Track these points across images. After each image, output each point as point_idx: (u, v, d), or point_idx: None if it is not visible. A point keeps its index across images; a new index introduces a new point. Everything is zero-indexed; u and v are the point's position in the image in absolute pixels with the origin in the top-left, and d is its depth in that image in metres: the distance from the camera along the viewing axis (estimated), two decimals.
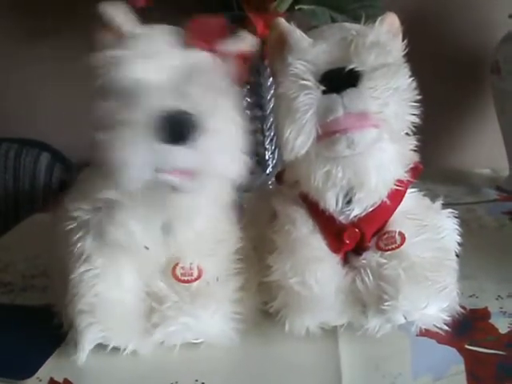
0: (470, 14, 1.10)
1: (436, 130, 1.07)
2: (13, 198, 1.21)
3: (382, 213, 0.59)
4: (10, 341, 0.59)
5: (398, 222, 0.59)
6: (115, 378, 0.55)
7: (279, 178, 0.64)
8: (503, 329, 0.59)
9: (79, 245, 0.55)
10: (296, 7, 0.91)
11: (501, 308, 0.63)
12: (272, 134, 1.01)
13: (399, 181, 0.58)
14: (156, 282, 0.57)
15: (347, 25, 0.59)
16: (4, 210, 1.21)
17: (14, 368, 0.55)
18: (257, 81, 0.98)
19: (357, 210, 0.57)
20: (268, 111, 0.99)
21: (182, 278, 0.57)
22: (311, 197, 0.58)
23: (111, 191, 0.53)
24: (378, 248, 0.57)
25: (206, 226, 0.58)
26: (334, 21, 0.93)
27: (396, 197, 0.59)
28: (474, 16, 1.10)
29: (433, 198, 0.64)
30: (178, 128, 0.49)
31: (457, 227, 0.62)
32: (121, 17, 0.53)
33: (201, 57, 0.55)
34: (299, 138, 0.53)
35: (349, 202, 0.57)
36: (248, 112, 1.00)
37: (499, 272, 0.70)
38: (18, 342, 0.59)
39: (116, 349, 0.55)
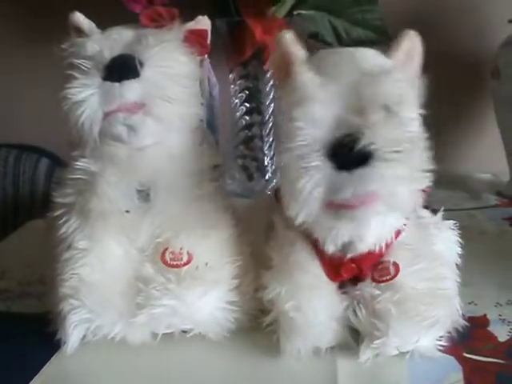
0: (469, 19, 1.10)
1: (436, 135, 1.07)
2: (12, 203, 1.21)
3: (380, 250, 0.57)
4: (4, 349, 0.59)
5: (393, 252, 0.57)
6: None
7: (278, 196, 0.61)
8: (502, 337, 0.58)
9: (64, 229, 0.57)
10: (295, 12, 0.92)
11: (500, 315, 0.62)
12: (271, 139, 1.01)
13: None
14: (144, 268, 0.57)
15: (358, 58, 0.54)
16: (3, 215, 1.21)
17: (8, 376, 0.55)
18: (255, 86, 0.98)
19: (355, 253, 0.56)
20: (267, 117, 0.99)
21: (171, 262, 0.57)
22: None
23: (84, 161, 0.58)
24: (373, 279, 0.56)
25: (195, 208, 0.60)
26: (332, 26, 0.93)
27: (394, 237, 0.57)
28: (474, 21, 1.10)
29: (432, 204, 0.64)
30: (117, 65, 0.54)
31: (458, 239, 0.62)
32: (86, 23, 0.61)
33: (150, 30, 0.60)
34: (301, 214, 0.51)
35: (346, 247, 0.56)
36: (247, 118, 1.00)
37: (498, 278, 0.70)
38: (12, 350, 0.59)
39: (113, 357, 0.55)
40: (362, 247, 0.55)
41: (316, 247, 0.57)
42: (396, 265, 0.56)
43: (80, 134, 0.55)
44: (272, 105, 0.99)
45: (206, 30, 0.62)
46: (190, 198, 0.60)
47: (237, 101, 1.00)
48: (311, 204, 0.50)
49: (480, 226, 0.89)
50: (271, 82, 0.98)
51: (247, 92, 0.98)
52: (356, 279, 0.57)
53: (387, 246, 0.57)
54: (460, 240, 0.62)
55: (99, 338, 0.56)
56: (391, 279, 0.55)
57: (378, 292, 0.55)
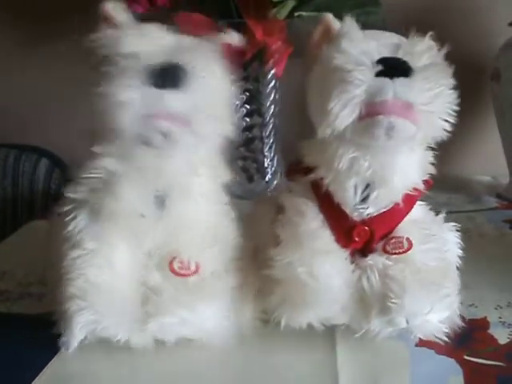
0: (470, 22, 1.11)
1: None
2: (11, 204, 1.20)
3: (393, 215, 0.59)
4: (5, 350, 0.59)
5: (405, 229, 0.59)
6: None
7: (291, 170, 0.64)
8: (502, 339, 0.58)
9: (71, 227, 0.56)
10: (296, 14, 0.91)
11: (500, 318, 0.62)
12: (271, 141, 1.01)
13: (415, 188, 0.58)
14: (152, 274, 0.57)
15: (396, 35, 0.59)
16: (2, 216, 1.21)
17: (9, 378, 0.55)
18: (256, 88, 0.98)
19: (371, 209, 0.58)
20: (267, 119, 1.00)
21: (180, 271, 0.57)
22: (326, 187, 0.58)
23: (106, 160, 0.56)
24: (385, 251, 0.58)
25: (205, 219, 0.59)
26: None
27: (409, 202, 0.59)
28: (475, 23, 1.11)
29: (433, 206, 0.64)
30: (168, 73, 0.53)
31: (459, 241, 0.62)
32: (121, 13, 0.57)
33: (190, 38, 0.58)
34: (345, 110, 0.52)
35: (364, 200, 0.57)
36: (247, 119, 1.00)
37: (499, 281, 0.70)
38: (13, 351, 0.59)
39: (112, 343, 0.55)
40: (382, 195, 0.56)
41: (327, 213, 0.58)
42: (409, 240, 0.58)
43: (111, 133, 0.54)
44: (272, 106, 0.99)
45: (241, 49, 0.61)
46: (202, 209, 0.59)
47: (237, 102, 1.00)
48: (355, 100, 0.52)
49: (480, 229, 0.89)
50: (272, 84, 0.98)
51: (247, 94, 0.98)
52: (364, 252, 0.58)
53: (404, 201, 0.58)
54: (461, 242, 0.62)
55: (101, 340, 0.56)
56: (404, 252, 0.57)
57: (390, 263, 0.56)
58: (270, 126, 1.00)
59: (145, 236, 0.58)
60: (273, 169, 1.02)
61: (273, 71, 0.97)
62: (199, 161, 0.58)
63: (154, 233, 0.58)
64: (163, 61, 0.53)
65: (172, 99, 0.52)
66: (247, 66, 0.97)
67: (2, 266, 0.78)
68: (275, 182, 1.01)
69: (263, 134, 1.00)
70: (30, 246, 0.82)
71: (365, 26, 0.90)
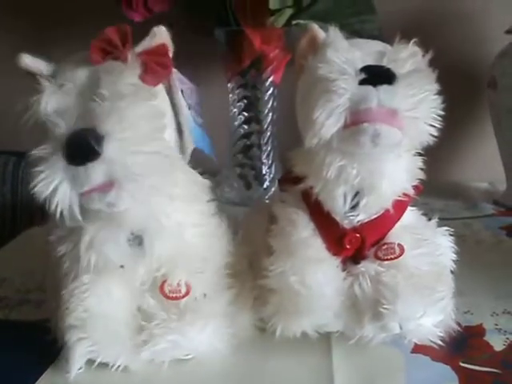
0: (467, 30, 1.11)
1: (433, 144, 1.07)
2: (11, 210, 1.21)
3: (384, 222, 0.59)
4: (3, 356, 0.59)
5: (397, 234, 0.59)
6: None
7: (283, 181, 0.65)
8: (498, 346, 0.59)
9: (67, 264, 0.56)
10: (293, 22, 0.92)
11: (496, 325, 0.62)
12: (269, 148, 1.01)
13: (404, 194, 0.59)
14: (145, 299, 0.58)
15: (381, 43, 0.60)
16: (2, 222, 1.21)
17: None
18: (254, 95, 0.98)
19: (362, 216, 0.58)
20: (265, 126, 1.00)
21: (171, 294, 0.58)
22: (316, 196, 0.58)
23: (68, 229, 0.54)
24: (377, 258, 0.58)
25: (191, 243, 0.59)
26: None
27: (399, 209, 0.59)
28: (472, 31, 1.11)
29: (429, 213, 0.64)
30: (80, 148, 0.49)
31: (452, 245, 0.62)
32: (36, 64, 0.59)
33: (105, 67, 0.54)
34: (330, 119, 0.53)
35: (354, 207, 0.58)
36: (245, 127, 1.00)
37: (495, 288, 0.70)
38: (11, 358, 0.59)
39: (108, 366, 0.55)
40: (372, 202, 0.57)
41: (318, 222, 0.59)
42: (401, 246, 0.58)
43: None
44: (270, 114, 1.00)
45: (164, 45, 0.55)
46: (183, 235, 0.58)
47: (235, 110, 1.00)
48: (339, 109, 0.52)
49: (476, 236, 0.89)
50: (270, 91, 0.98)
51: (246, 101, 0.99)
52: (356, 259, 0.59)
53: (395, 207, 0.58)
54: (454, 246, 0.63)
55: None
56: (396, 258, 0.57)
57: (382, 269, 0.56)
58: (268, 133, 1.01)
59: (133, 273, 0.57)
60: (271, 176, 1.02)
61: (271, 79, 0.98)
62: (160, 209, 0.55)
63: (140, 269, 0.57)
64: (73, 130, 0.50)
65: (91, 173, 0.49)
66: (245, 74, 0.97)
67: (0, 273, 0.79)
68: (273, 189, 1.01)
69: (261, 141, 1.01)
70: (29, 252, 0.83)
71: (361, 33, 0.91)
